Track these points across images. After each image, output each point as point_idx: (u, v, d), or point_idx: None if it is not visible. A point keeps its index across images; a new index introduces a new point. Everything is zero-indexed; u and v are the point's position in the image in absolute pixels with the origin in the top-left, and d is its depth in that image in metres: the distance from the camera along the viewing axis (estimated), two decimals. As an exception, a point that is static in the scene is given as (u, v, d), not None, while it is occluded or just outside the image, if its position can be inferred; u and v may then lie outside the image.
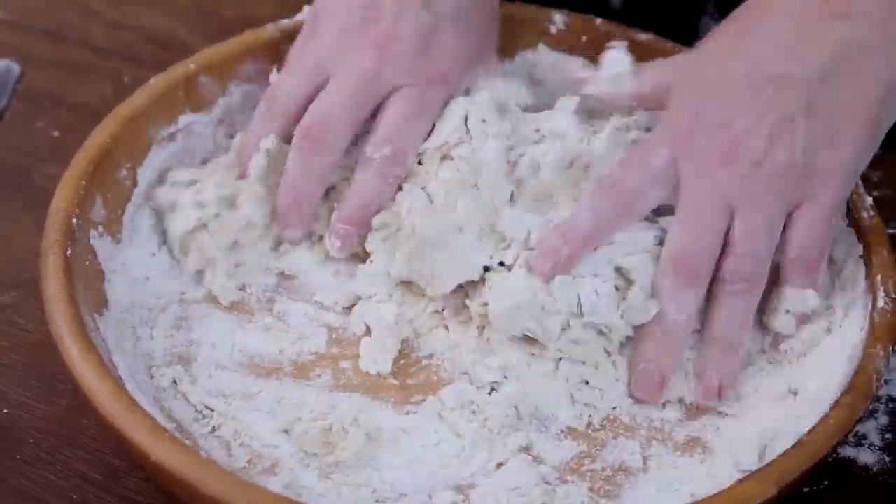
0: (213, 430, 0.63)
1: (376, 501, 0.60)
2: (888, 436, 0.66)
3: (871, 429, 0.66)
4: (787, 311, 0.65)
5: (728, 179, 0.62)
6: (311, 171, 0.69)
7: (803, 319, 0.65)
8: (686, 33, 0.81)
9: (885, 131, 0.65)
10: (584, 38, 0.80)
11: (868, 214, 0.68)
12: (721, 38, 0.67)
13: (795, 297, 0.64)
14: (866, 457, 0.65)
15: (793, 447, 0.56)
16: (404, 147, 0.69)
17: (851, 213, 0.68)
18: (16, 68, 0.89)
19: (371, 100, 0.70)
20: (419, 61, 0.70)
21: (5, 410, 0.66)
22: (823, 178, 0.63)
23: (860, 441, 0.66)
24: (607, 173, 0.65)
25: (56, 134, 0.84)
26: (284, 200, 0.70)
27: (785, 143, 0.61)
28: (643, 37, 0.78)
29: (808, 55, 0.62)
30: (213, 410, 0.63)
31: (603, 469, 0.62)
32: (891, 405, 0.68)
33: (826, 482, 0.64)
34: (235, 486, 0.53)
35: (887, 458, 0.65)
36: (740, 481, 0.55)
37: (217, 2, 0.98)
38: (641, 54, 0.76)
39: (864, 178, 0.73)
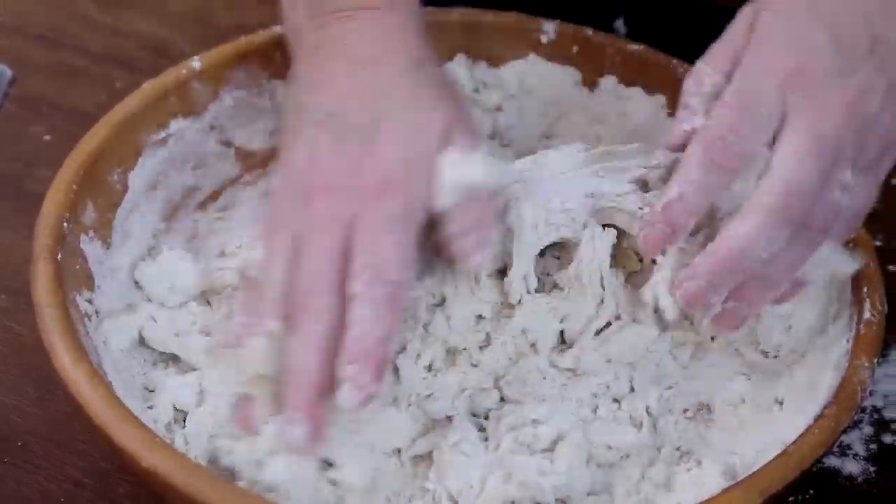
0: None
1: None
2: (872, 446, 0.67)
3: (855, 439, 0.67)
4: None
5: (849, 132, 0.59)
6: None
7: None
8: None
9: None
10: (574, 49, 0.80)
11: (855, 226, 0.68)
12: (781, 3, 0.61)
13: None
14: (851, 466, 0.66)
15: (778, 457, 0.56)
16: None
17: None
18: (7, 72, 0.89)
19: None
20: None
21: (-4, 414, 0.66)
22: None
23: (845, 451, 0.66)
24: (714, 133, 0.60)
25: (49, 138, 0.84)
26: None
27: (890, 108, 0.60)
28: (634, 48, 0.79)
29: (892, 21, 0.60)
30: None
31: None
32: (875, 416, 0.68)
33: (811, 491, 0.64)
34: (228, 493, 0.53)
35: (871, 468, 0.66)
36: (726, 490, 0.55)
37: (211, 9, 0.98)
38: (633, 66, 0.77)
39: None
